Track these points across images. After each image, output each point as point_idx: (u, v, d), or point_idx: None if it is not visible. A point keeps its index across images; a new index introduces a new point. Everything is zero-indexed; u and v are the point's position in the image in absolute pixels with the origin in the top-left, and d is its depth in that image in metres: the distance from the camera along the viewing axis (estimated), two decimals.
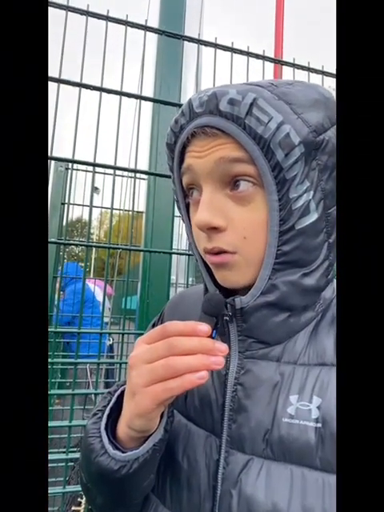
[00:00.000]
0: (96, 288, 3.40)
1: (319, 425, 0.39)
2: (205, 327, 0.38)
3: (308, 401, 0.41)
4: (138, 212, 1.91)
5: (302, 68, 1.27)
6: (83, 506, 1.61)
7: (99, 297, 3.25)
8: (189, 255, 1.43)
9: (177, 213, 1.51)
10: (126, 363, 1.65)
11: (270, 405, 0.43)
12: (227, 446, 0.44)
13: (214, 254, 0.45)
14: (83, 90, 1.09)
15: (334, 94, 0.44)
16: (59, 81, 1.05)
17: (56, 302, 2.27)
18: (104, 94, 1.11)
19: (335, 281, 0.50)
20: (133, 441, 0.43)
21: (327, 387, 0.41)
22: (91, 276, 4.25)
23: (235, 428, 0.44)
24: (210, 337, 0.39)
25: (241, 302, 0.44)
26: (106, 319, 3.07)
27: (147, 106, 1.50)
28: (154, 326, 0.64)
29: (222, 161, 0.42)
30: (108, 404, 0.47)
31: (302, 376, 0.43)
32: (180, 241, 1.84)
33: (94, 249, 3.67)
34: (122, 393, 0.46)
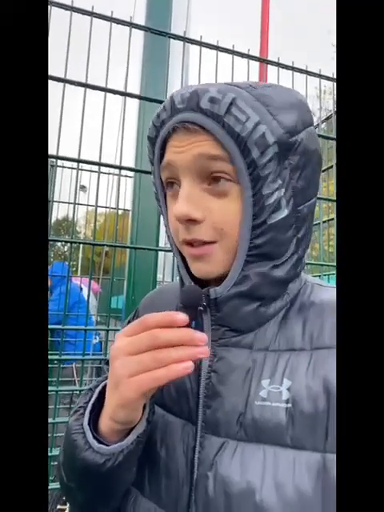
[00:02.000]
0: (83, 287, 3.37)
1: (289, 405, 0.42)
2: (183, 316, 0.39)
3: (279, 384, 0.44)
4: (124, 210, 1.90)
5: (286, 67, 1.28)
6: (69, 504, 1.60)
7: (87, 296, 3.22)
8: None
9: None
10: None
11: (243, 389, 0.45)
12: (202, 431, 0.46)
13: (192, 246, 0.47)
14: (68, 86, 1.08)
15: (313, 92, 0.46)
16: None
17: None
18: (89, 91, 1.10)
19: (302, 274, 0.54)
20: (116, 434, 0.44)
21: (296, 370, 0.44)
22: (78, 275, 4.21)
23: (210, 413, 0.46)
24: (189, 326, 0.40)
25: (215, 293, 0.46)
26: (93, 317, 3.05)
27: (133, 103, 1.50)
28: (129, 323, 0.65)
29: (201, 157, 0.44)
30: (89, 400, 0.47)
31: (273, 361, 0.46)
32: (166, 238, 1.83)
33: (80, 248, 3.64)
34: (104, 389, 0.46)
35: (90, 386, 0.51)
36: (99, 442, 0.43)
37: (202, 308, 0.48)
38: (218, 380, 0.47)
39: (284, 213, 0.45)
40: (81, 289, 3.42)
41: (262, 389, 0.44)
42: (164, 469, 0.47)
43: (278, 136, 0.43)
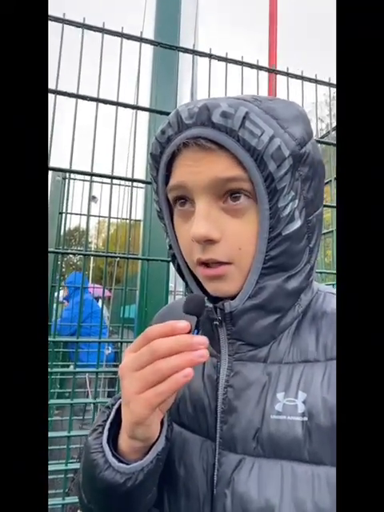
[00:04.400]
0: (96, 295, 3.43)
1: (305, 418, 0.41)
2: (182, 324, 0.39)
3: (294, 396, 0.43)
4: (135, 220, 1.92)
5: (296, 77, 1.29)
6: None
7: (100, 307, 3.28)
8: None
9: None
10: None
11: (258, 404, 0.45)
12: (220, 447, 0.45)
13: (207, 267, 0.46)
14: (80, 100, 1.10)
15: (321, 98, 0.47)
16: (56, 92, 1.06)
17: (54, 312, 2.26)
18: (101, 105, 1.12)
19: (314, 282, 0.53)
20: (135, 452, 0.43)
21: (311, 382, 0.43)
22: (90, 284, 4.25)
23: (226, 429, 0.45)
24: (190, 333, 0.40)
25: (230, 306, 0.46)
26: (107, 327, 3.07)
27: (143, 116, 1.52)
28: None
29: (217, 180, 0.44)
30: (107, 418, 0.47)
31: (287, 374, 0.45)
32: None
33: (92, 258, 3.67)
34: (121, 405, 0.46)
35: (107, 404, 0.50)
36: (120, 461, 0.43)
37: (217, 322, 0.47)
38: (234, 395, 0.46)
39: (298, 223, 0.45)
40: (97, 299, 3.47)
41: (277, 402, 0.44)
42: (184, 488, 0.46)
43: (292, 148, 0.43)
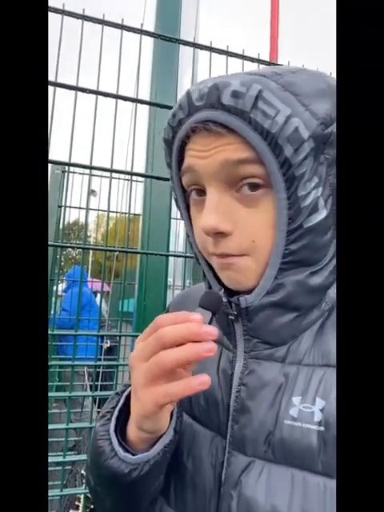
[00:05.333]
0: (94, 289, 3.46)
1: (322, 428, 0.38)
2: (196, 316, 0.36)
3: (311, 403, 0.40)
4: (134, 214, 1.91)
5: None
6: (81, 509, 1.60)
7: (98, 300, 3.30)
8: (185, 257, 1.43)
9: (173, 215, 1.51)
10: (123, 365, 1.65)
11: (272, 406, 0.42)
12: (230, 446, 0.43)
13: (222, 257, 0.43)
14: (80, 93, 1.09)
15: None
16: (56, 84, 1.05)
17: (53, 305, 2.26)
18: (100, 97, 1.11)
19: None
20: (143, 442, 0.42)
21: (331, 389, 0.39)
22: (89, 278, 4.26)
23: (237, 429, 0.43)
24: None
25: (246, 301, 0.43)
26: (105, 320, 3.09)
27: (143, 109, 1.51)
28: None
29: (228, 163, 0.40)
30: (116, 405, 0.46)
31: (305, 377, 0.41)
32: (177, 243, 1.85)
33: (91, 251, 3.67)
34: (130, 392, 0.44)
35: (116, 391, 0.49)
36: (126, 449, 0.42)
37: (233, 317, 0.45)
38: (247, 394, 0.44)
39: (322, 214, 0.40)
40: (95, 294, 3.49)
41: (292, 407, 0.40)
42: (191, 481, 0.45)
43: (313, 129, 0.38)
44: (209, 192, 0.42)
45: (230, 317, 0.45)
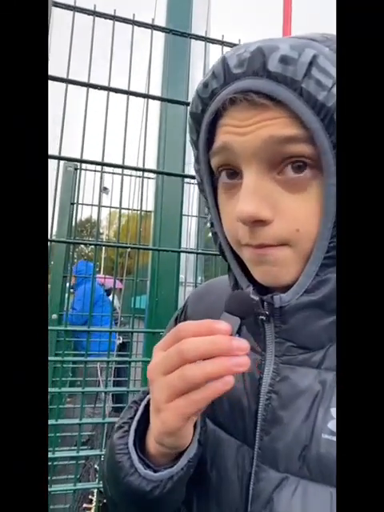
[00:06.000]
0: (106, 285, 3.47)
1: None
2: (223, 325, 0.32)
3: None
4: (146, 211, 1.92)
5: None
6: (94, 503, 1.62)
7: (110, 296, 3.32)
8: (197, 253, 1.43)
9: (185, 211, 1.51)
10: (135, 361, 1.66)
11: (308, 418, 0.37)
12: (258, 459, 0.39)
13: (256, 247, 0.38)
14: (91, 89, 1.09)
15: None
16: (67, 81, 1.06)
17: (66, 301, 2.29)
18: (112, 94, 1.11)
19: None
20: (165, 456, 0.39)
21: None
22: (101, 275, 4.29)
23: (268, 441, 0.39)
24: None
25: (281, 301, 0.38)
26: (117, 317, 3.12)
27: (155, 105, 1.50)
28: (176, 320, 0.58)
29: (272, 140, 0.34)
30: (134, 415, 0.42)
31: None
32: (188, 239, 1.84)
33: (103, 248, 3.70)
34: (149, 402, 0.41)
35: (134, 399, 0.45)
36: (146, 465, 0.39)
37: (264, 317, 0.40)
38: (279, 403, 0.39)
39: None
40: (108, 292, 3.51)
41: (331, 419, 0.36)
42: (215, 494, 0.42)
43: None
44: (247, 174, 0.37)
45: (260, 317, 0.40)
